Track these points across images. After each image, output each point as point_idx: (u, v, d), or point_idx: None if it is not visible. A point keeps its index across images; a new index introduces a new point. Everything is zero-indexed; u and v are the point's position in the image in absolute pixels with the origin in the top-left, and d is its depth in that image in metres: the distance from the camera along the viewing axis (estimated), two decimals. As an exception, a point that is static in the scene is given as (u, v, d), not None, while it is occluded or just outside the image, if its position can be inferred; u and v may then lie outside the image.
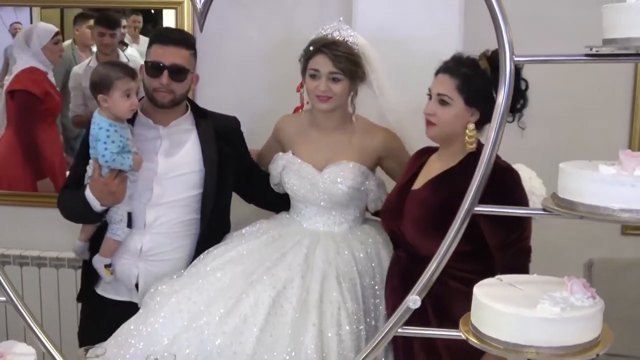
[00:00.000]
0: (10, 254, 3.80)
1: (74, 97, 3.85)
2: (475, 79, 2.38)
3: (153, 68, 2.83)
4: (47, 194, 3.83)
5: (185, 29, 3.55)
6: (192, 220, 2.93)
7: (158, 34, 3.05)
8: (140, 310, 2.69)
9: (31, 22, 3.88)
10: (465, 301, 2.20)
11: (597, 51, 1.69)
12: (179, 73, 2.82)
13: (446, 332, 1.96)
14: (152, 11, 3.88)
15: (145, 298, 2.73)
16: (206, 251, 2.82)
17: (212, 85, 3.49)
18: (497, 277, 1.91)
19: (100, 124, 2.73)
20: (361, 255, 2.76)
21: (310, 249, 2.72)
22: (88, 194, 2.78)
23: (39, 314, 3.69)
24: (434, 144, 2.62)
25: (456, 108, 2.41)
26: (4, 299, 1.96)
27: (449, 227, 2.16)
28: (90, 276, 2.99)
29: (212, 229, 2.94)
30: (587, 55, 1.71)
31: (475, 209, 1.80)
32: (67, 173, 3.16)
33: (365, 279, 2.73)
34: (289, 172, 2.87)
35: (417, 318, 2.18)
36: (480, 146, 2.42)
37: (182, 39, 2.90)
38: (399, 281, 2.54)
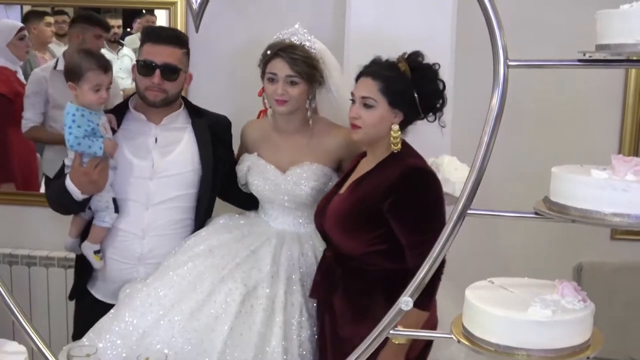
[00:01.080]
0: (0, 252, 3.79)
1: (32, 104, 3.68)
2: (396, 81, 2.43)
3: (145, 67, 2.81)
4: (38, 193, 3.84)
5: (179, 29, 3.54)
6: (185, 220, 2.92)
7: (150, 32, 3.01)
8: (115, 307, 2.70)
9: (22, 21, 3.85)
10: (384, 298, 2.38)
11: (590, 57, 1.71)
12: (171, 72, 2.80)
13: (436, 334, 1.97)
14: (144, 11, 3.88)
15: (120, 292, 2.74)
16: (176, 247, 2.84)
17: (204, 84, 3.49)
18: (488, 279, 1.92)
19: (68, 109, 2.73)
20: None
21: (277, 249, 2.75)
22: (69, 183, 2.77)
23: (28, 312, 3.68)
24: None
25: (380, 110, 2.44)
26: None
27: (364, 226, 2.44)
28: (82, 274, 2.98)
29: (203, 226, 2.94)
30: (580, 60, 1.73)
31: (468, 211, 1.79)
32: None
33: None
34: (253, 173, 2.88)
35: (340, 311, 2.48)
36: (403, 145, 2.49)
37: (175, 38, 2.87)
38: (320, 277, 2.63)
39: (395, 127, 2.44)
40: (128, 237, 2.88)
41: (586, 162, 1.81)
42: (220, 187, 3.01)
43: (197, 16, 1.93)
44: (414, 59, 2.48)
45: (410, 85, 2.42)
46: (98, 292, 2.96)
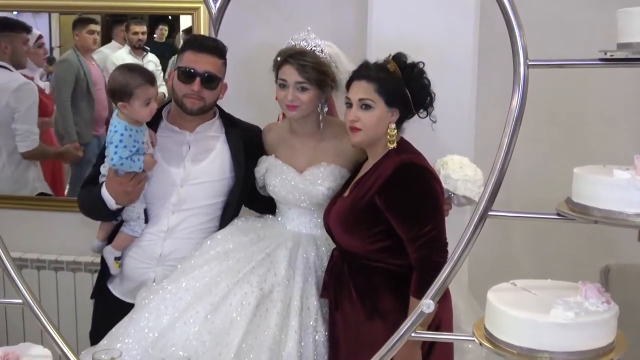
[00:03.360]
0: (27, 257, 3.82)
1: (32, 116, 3.81)
2: (389, 81, 2.52)
3: (185, 74, 2.83)
4: (65, 198, 3.89)
5: (202, 33, 3.58)
6: (210, 228, 2.94)
7: (192, 41, 3.06)
8: (134, 309, 2.72)
9: (50, 28, 3.91)
10: (391, 295, 2.50)
11: (611, 55, 1.69)
12: (210, 81, 2.83)
13: (459, 336, 1.96)
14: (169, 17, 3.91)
15: (137, 296, 2.76)
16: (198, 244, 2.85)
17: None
18: (511, 281, 1.91)
19: (116, 126, 2.74)
20: None
21: (292, 251, 2.76)
22: (104, 192, 2.80)
23: (55, 317, 3.72)
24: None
25: (379, 110, 2.51)
26: (20, 301, 1.99)
27: (364, 224, 2.51)
28: (104, 272, 3.01)
29: None
30: (601, 59, 1.72)
31: (489, 213, 1.79)
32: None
33: None
34: (271, 174, 2.90)
35: (350, 310, 2.53)
36: (400, 142, 2.56)
37: (215, 47, 2.89)
38: (328, 276, 2.68)
39: (392, 125, 2.53)
40: (151, 238, 2.91)
41: (610, 163, 1.79)
42: (249, 196, 3.03)
43: (216, 21, 1.95)
44: (399, 59, 2.57)
45: (402, 84, 2.52)
46: (116, 289, 3.00)
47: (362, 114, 2.52)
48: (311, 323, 2.62)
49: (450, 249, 2.31)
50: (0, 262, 1.98)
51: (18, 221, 3.81)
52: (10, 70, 3.80)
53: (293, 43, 2.79)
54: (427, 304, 1.85)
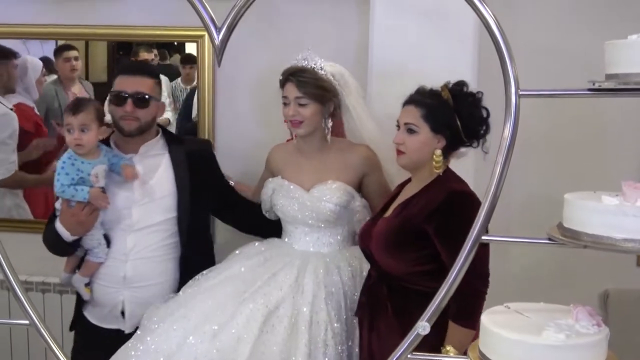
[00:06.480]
0: (33, 280, 3.87)
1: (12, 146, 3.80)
2: (439, 108, 2.54)
3: (117, 97, 2.95)
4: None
5: (207, 60, 3.65)
6: (172, 244, 3.01)
7: (121, 67, 3.26)
8: (138, 332, 2.77)
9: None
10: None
11: (599, 86, 1.75)
12: (142, 100, 2.93)
13: (454, 358, 2.00)
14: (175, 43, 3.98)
15: (143, 319, 2.81)
16: (201, 273, 2.91)
17: (230, 114, 3.60)
18: (505, 304, 1.95)
19: (64, 155, 2.87)
20: (348, 276, 2.86)
21: (300, 269, 2.82)
22: (58, 225, 2.88)
23: (60, 340, 3.74)
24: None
25: (423, 135, 2.55)
26: (27, 322, 2.04)
27: (409, 247, 2.51)
28: (79, 300, 3.08)
29: (193, 250, 3.03)
30: (589, 89, 1.77)
31: (483, 237, 1.83)
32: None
33: (348, 301, 2.81)
34: (278, 194, 2.98)
35: (386, 330, 2.51)
36: (446, 171, 2.58)
37: (143, 68, 3.07)
38: (365, 297, 2.70)
39: (438, 151, 2.54)
40: (113, 262, 2.97)
41: (607, 189, 1.83)
42: (217, 211, 3.15)
43: (219, 51, 2.01)
44: (456, 86, 2.58)
45: (452, 112, 2.53)
46: (90, 315, 3.06)
47: (407, 138, 2.57)
48: (321, 336, 2.64)
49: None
50: (8, 284, 2.03)
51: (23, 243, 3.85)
52: None
53: (295, 63, 2.90)
54: (422, 326, 1.90)
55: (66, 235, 2.88)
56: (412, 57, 3.14)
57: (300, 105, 2.85)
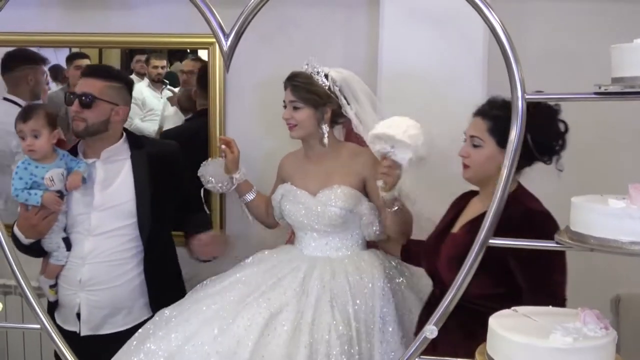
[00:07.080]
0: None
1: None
2: (507, 121, 2.20)
3: (67, 97, 3.02)
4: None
5: (218, 67, 3.68)
6: (133, 248, 3.03)
7: (82, 69, 3.29)
8: (140, 330, 2.77)
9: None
10: None
11: (605, 89, 1.75)
12: (87, 101, 2.94)
13: (463, 361, 2.00)
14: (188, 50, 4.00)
15: (147, 324, 2.81)
16: (207, 279, 2.93)
17: (239, 121, 3.63)
18: (512, 308, 1.95)
19: (19, 161, 2.91)
20: (356, 278, 2.83)
21: (307, 273, 2.82)
22: (15, 228, 2.93)
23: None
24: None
25: (488, 150, 2.44)
26: (38, 326, 2.06)
27: (483, 270, 2.12)
28: (50, 304, 3.10)
29: (155, 254, 3.05)
30: (596, 93, 1.77)
31: (490, 241, 1.84)
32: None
33: (357, 302, 2.78)
34: (286, 200, 3.01)
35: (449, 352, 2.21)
36: (518, 187, 2.46)
37: (97, 70, 3.10)
38: (426, 315, 2.54)
39: None
40: (71, 265, 3.00)
41: (614, 192, 1.83)
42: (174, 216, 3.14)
43: (227, 57, 2.02)
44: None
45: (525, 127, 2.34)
46: (57, 317, 3.08)
47: (472, 151, 2.48)
48: (325, 337, 2.61)
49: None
50: (21, 290, 2.06)
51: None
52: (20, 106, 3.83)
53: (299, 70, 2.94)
54: (430, 330, 1.91)
55: (22, 238, 2.93)
56: (422, 62, 3.16)
57: (295, 108, 2.92)
